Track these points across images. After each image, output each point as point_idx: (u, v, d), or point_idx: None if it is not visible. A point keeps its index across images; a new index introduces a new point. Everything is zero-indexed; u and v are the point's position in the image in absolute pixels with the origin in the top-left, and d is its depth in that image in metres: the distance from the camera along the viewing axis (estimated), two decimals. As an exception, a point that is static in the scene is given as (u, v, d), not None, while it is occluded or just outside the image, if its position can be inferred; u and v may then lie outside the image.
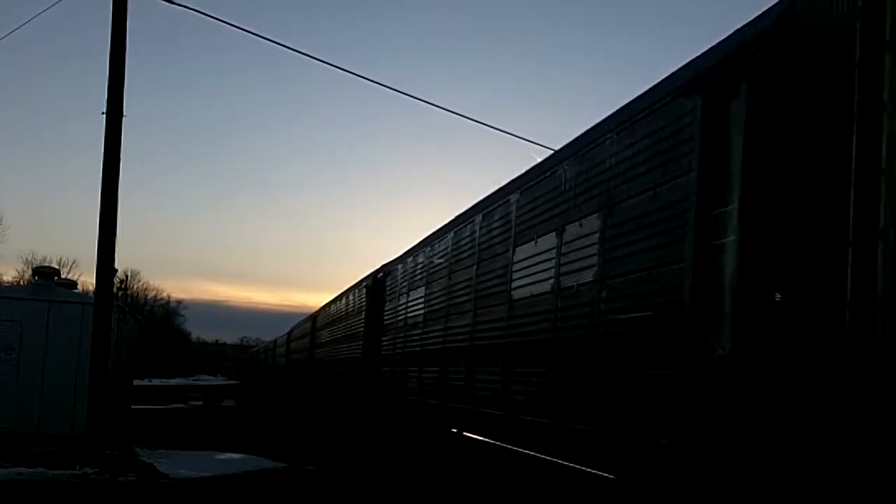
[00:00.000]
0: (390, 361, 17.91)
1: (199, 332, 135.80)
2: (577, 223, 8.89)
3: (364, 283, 22.67)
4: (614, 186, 8.10)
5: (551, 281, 9.31)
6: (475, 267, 12.33)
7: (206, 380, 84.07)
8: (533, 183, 10.65)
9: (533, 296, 9.83)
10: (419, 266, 16.46)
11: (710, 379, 5.97)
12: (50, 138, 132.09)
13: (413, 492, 12.43)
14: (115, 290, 18.56)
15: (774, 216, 5.47)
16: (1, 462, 14.05)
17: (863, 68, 4.72)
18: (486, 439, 11.64)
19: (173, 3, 16.33)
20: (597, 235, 8.34)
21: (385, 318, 19.05)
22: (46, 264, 46.85)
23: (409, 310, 16.80)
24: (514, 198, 11.16)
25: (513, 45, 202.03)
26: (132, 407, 26.05)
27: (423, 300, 15.60)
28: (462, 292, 12.85)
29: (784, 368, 5.19)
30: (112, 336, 16.47)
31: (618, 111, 8.57)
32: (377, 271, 21.07)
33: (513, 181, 11.65)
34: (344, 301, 27.72)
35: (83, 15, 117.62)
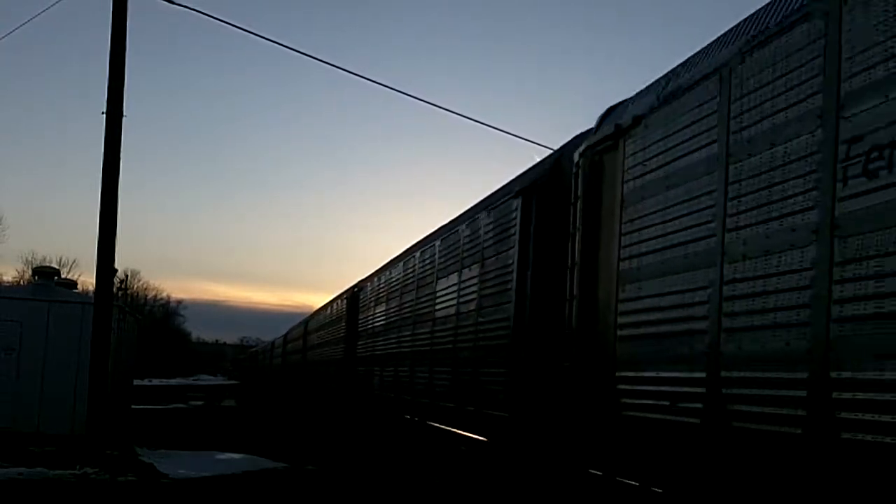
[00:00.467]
0: (362, 363, 21.17)
1: (199, 332, 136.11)
2: (467, 268, 12.64)
3: (345, 295, 25.99)
4: (484, 247, 11.91)
5: (454, 306, 12.97)
6: (415, 291, 15.90)
7: (206, 380, 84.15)
8: (446, 234, 14.30)
9: (445, 316, 13.44)
10: (381, 285, 19.94)
11: (519, 372, 9.82)
12: (50, 138, 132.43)
13: (399, 488, 13.47)
14: (114, 289, 18.55)
15: (543, 277, 9.57)
16: (1, 462, 14.05)
17: (575, 202, 8.67)
18: (422, 420, 14.77)
19: (173, 2, 16.32)
20: (476, 278, 12.03)
21: (359, 326, 22.41)
22: (46, 264, 46.84)
23: (374, 320, 20.20)
24: (437, 243, 14.79)
25: (513, 46, 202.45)
26: (132, 407, 26.06)
27: (383, 314, 19.06)
28: (407, 310, 16.34)
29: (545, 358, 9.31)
30: (112, 336, 16.46)
31: (482, 200, 12.90)
32: (354, 286, 24.47)
33: (437, 230, 15.37)
34: (329, 310, 30.95)
35: (83, 15, 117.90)
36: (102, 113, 15.97)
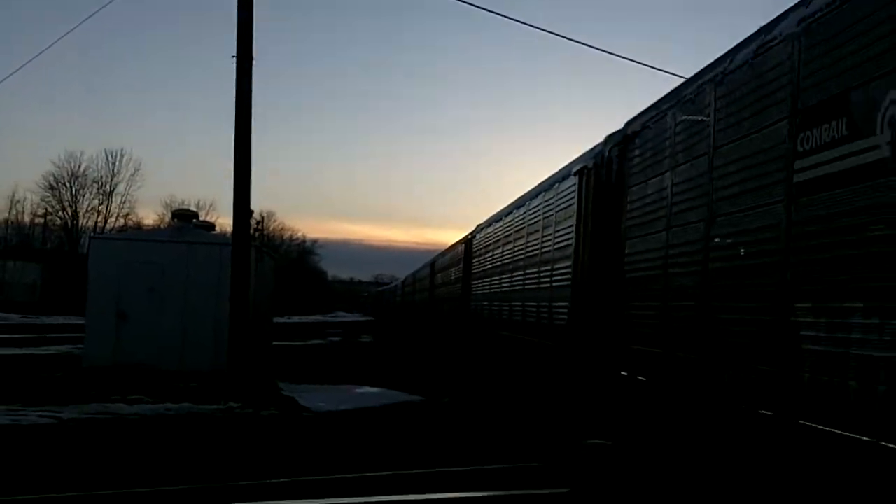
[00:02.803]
0: (474, 299, 25.83)
1: (335, 270, 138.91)
2: (543, 229, 16.06)
3: (462, 241, 31.03)
4: (546, 220, 15.87)
5: (537, 256, 16.27)
6: (512, 244, 19.34)
7: (343, 316, 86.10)
8: (530, 200, 17.83)
9: (531, 264, 16.89)
10: (488, 235, 23.95)
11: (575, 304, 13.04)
12: (184, 82, 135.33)
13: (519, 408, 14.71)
14: (251, 230, 18.87)
15: (602, 238, 11.75)
16: (147, 397, 14.56)
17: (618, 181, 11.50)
18: (509, 334, 18.74)
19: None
20: (550, 237, 15.30)
21: (473, 269, 26.78)
22: (185, 207, 48.33)
23: (482, 265, 24.55)
24: (522, 209, 18.63)
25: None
26: (273, 343, 26.76)
27: (489, 259, 23.17)
28: (507, 257, 19.86)
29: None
30: (250, 275, 16.74)
31: (546, 179, 16.87)
32: (470, 233, 28.96)
33: (523, 195, 19.28)
34: (450, 254, 36.22)
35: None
36: (232, 56, 16.04)
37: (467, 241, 29.63)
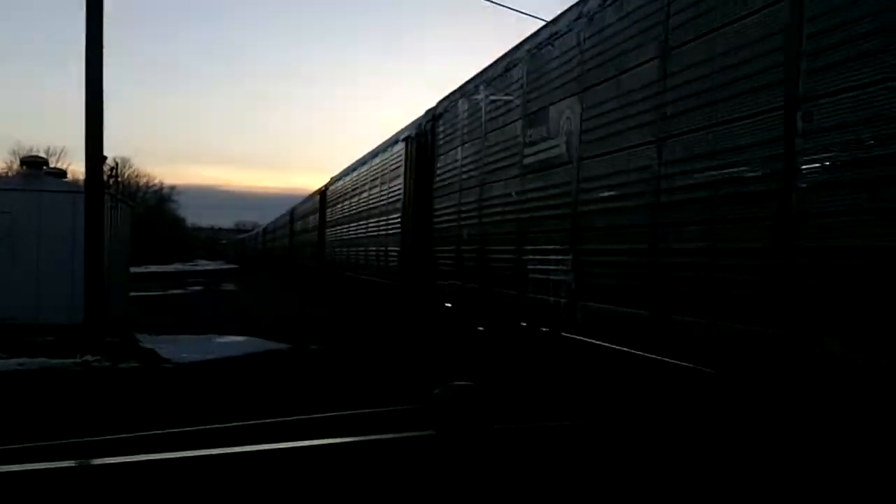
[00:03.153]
0: (329, 246, 29.31)
1: (195, 217, 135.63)
2: (379, 186, 19.75)
3: (318, 192, 33.93)
4: (382, 177, 19.21)
5: (377, 208, 19.73)
6: (357, 196, 23.33)
7: (204, 265, 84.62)
8: (369, 160, 21.78)
9: (373, 215, 20.33)
10: (338, 188, 28.17)
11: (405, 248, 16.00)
12: (29, 24, 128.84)
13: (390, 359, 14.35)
14: (105, 178, 18.24)
15: (420, 196, 14.78)
16: (1, 353, 14.04)
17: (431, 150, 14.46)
18: (359, 276, 22.22)
19: None
20: (386, 192, 18.58)
21: (327, 217, 30.23)
22: (34, 154, 46.26)
23: (334, 214, 28.46)
24: (363, 168, 22.77)
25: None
26: (130, 294, 26.05)
27: (339, 210, 27.15)
28: (353, 208, 23.72)
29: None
30: (105, 224, 16.24)
31: (384, 141, 19.96)
32: (325, 184, 32.01)
33: (364, 156, 23.40)
34: (308, 203, 39.10)
35: None
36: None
37: (322, 192, 32.24)
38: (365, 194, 21.92)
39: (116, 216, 20.84)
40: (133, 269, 30.30)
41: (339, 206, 27.12)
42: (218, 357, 14.56)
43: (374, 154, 21.15)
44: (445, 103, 13.81)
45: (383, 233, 19.19)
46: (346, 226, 25.18)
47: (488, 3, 17.12)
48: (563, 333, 8.43)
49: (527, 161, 9.39)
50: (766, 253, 5.28)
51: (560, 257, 8.33)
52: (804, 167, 4.95)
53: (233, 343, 16.81)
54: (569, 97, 8.44)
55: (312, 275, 34.02)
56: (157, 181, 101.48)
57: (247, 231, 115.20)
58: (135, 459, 5.77)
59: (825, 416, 4.99)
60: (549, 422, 6.91)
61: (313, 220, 34.29)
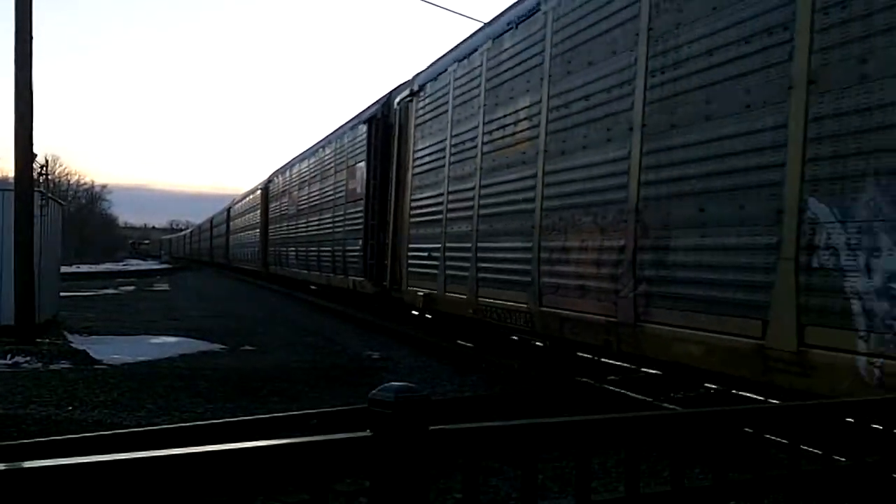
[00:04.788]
0: (273, 244, 30.22)
1: (127, 216, 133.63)
2: (334, 175, 21.23)
3: (259, 187, 34.40)
4: (349, 158, 20.11)
5: (332, 199, 21.28)
6: (306, 188, 25.04)
7: (137, 264, 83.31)
8: (317, 149, 23.23)
9: (325, 208, 21.92)
10: (281, 182, 29.62)
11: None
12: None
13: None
14: (35, 175, 17.92)
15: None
16: (-76, 356, 13.70)
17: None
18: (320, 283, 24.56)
19: None
20: (334, 185, 20.90)
21: (270, 213, 31.01)
22: (-39, 151, 45.16)
23: (279, 210, 29.01)
24: (311, 159, 24.75)
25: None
26: (61, 294, 25.60)
27: (285, 205, 28.06)
28: (302, 202, 25.50)
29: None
30: (35, 223, 15.95)
31: (346, 122, 20.84)
32: (267, 179, 32.64)
33: (312, 146, 25.33)
34: (248, 199, 38.49)
35: None
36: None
37: (264, 187, 32.35)
38: (316, 186, 21.95)
39: (47, 214, 20.46)
40: (63, 269, 29.76)
41: (283, 201, 27.46)
42: (150, 358, 14.41)
43: (326, 142, 21.65)
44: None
45: (339, 229, 19.40)
46: (294, 221, 25.66)
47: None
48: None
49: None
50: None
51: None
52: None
53: (166, 344, 16.65)
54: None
55: (252, 275, 34.17)
56: (88, 179, 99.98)
57: (181, 230, 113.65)
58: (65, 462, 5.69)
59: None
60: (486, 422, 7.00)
61: (253, 217, 34.00)
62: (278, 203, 29.07)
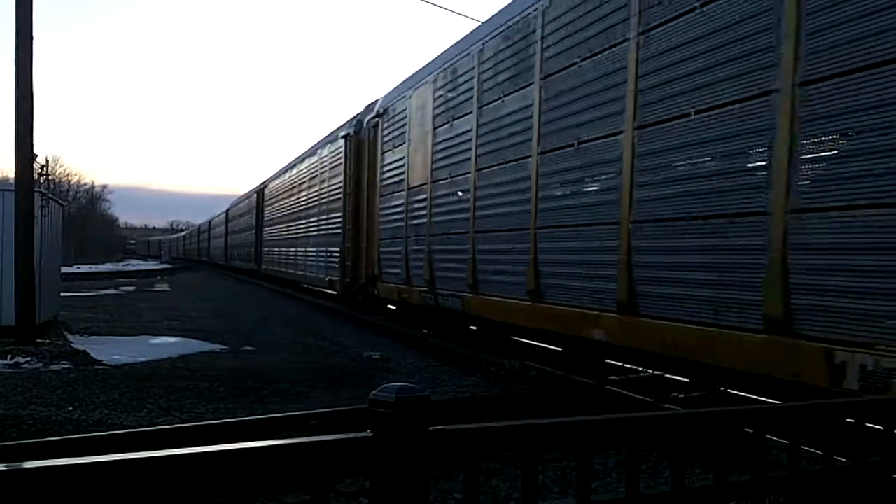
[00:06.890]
0: (266, 245, 31.64)
1: (127, 217, 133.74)
2: (318, 185, 22.51)
3: (255, 191, 35.54)
4: (330, 168, 21.58)
5: (315, 207, 21.87)
6: (294, 196, 26.09)
7: (137, 264, 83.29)
8: (303, 159, 24.79)
9: (311, 215, 22.32)
10: (275, 188, 30.34)
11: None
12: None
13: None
14: (36, 175, 17.90)
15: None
16: (-76, 357, 13.70)
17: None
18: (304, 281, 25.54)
19: None
20: (325, 191, 21.71)
21: (264, 216, 32.14)
22: (-39, 151, 45.15)
23: (271, 214, 29.99)
24: (299, 167, 25.88)
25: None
26: (61, 295, 25.62)
27: (279, 209, 29.16)
28: (292, 207, 26.66)
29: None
30: (36, 223, 15.94)
31: (326, 136, 22.17)
32: (261, 183, 33.93)
33: (298, 157, 26.69)
34: (244, 203, 39.50)
35: None
36: (10, -10, 15.13)
37: (259, 191, 33.67)
38: (303, 193, 23.19)
39: (48, 215, 20.46)
40: (64, 269, 29.77)
41: (277, 204, 28.56)
42: (151, 359, 14.40)
43: (311, 152, 22.89)
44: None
45: (323, 232, 20.68)
46: (286, 224, 26.70)
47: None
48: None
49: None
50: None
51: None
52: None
53: (166, 344, 16.65)
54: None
55: (247, 273, 34.82)
56: (88, 180, 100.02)
57: (181, 230, 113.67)
58: (65, 463, 5.70)
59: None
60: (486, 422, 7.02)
61: (249, 219, 34.70)
62: (271, 207, 30.36)
